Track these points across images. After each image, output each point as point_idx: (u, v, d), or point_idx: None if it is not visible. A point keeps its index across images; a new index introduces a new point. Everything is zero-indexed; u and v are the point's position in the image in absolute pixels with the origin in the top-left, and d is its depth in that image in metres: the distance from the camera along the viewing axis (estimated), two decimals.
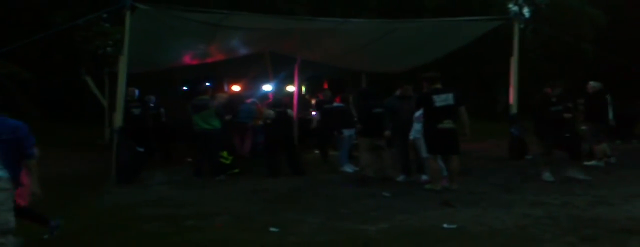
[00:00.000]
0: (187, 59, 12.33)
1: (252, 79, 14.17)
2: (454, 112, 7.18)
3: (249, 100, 11.62)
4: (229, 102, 10.07)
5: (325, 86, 14.94)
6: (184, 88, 14.82)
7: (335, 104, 10.39)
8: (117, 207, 6.34)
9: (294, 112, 10.56)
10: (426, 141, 7.33)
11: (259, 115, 11.54)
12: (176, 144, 11.73)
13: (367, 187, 7.46)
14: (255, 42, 11.55)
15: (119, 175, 7.85)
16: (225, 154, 8.73)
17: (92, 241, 4.92)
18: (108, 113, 12.49)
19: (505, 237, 4.81)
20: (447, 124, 7.08)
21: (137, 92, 11.00)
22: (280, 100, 10.08)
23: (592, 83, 9.93)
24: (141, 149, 8.40)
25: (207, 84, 10.62)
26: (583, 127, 10.01)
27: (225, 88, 13.95)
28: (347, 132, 9.57)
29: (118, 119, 8.15)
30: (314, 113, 12.91)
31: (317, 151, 11.26)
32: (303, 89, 14.97)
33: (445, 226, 5.15)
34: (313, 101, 13.27)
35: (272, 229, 5.12)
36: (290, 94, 12.88)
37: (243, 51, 12.31)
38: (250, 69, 13.50)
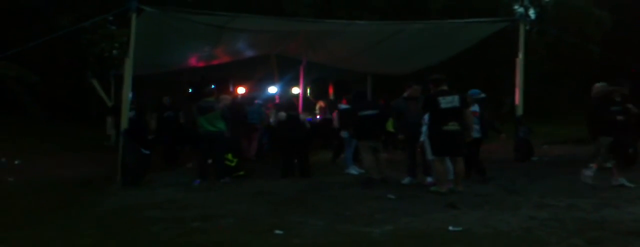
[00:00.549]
0: (193, 61, 12.38)
1: (258, 81, 14.21)
2: (459, 114, 7.17)
3: (256, 102, 11.65)
4: (234, 104, 10.06)
5: (331, 90, 14.96)
6: (189, 90, 14.89)
7: (342, 105, 10.37)
8: (122, 209, 6.34)
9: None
10: (431, 142, 7.34)
11: (267, 117, 11.57)
12: (183, 146, 11.77)
13: (372, 190, 7.44)
14: (261, 44, 11.58)
15: (124, 177, 7.88)
16: (230, 156, 8.75)
17: (97, 243, 4.93)
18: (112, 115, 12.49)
19: (511, 239, 4.79)
20: (452, 126, 7.07)
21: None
22: (293, 103, 10.07)
23: (598, 85, 9.85)
24: (146, 152, 8.42)
25: (213, 86, 10.64)
26: None
27: (231, 90, 14.00)
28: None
29: (123, 121, 8.16)
30: (318, 116, 12.90)
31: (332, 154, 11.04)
32: (307, 91, 14.99)
33: (450, 228, 5.13)
34: (319, 104, 13.27)
35: (276, 231, 5.12)
36: (296, 96, 12.90)
37: (249, 53, 12.35)
38: (256, 71, 13.54)
